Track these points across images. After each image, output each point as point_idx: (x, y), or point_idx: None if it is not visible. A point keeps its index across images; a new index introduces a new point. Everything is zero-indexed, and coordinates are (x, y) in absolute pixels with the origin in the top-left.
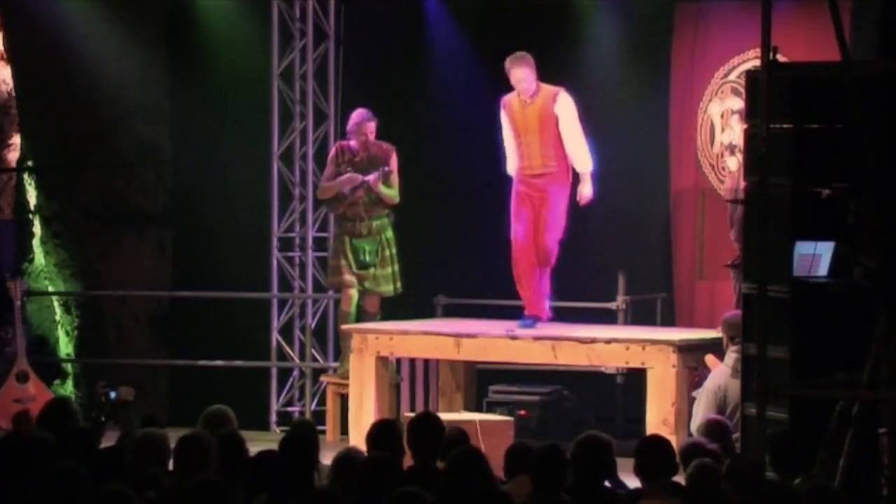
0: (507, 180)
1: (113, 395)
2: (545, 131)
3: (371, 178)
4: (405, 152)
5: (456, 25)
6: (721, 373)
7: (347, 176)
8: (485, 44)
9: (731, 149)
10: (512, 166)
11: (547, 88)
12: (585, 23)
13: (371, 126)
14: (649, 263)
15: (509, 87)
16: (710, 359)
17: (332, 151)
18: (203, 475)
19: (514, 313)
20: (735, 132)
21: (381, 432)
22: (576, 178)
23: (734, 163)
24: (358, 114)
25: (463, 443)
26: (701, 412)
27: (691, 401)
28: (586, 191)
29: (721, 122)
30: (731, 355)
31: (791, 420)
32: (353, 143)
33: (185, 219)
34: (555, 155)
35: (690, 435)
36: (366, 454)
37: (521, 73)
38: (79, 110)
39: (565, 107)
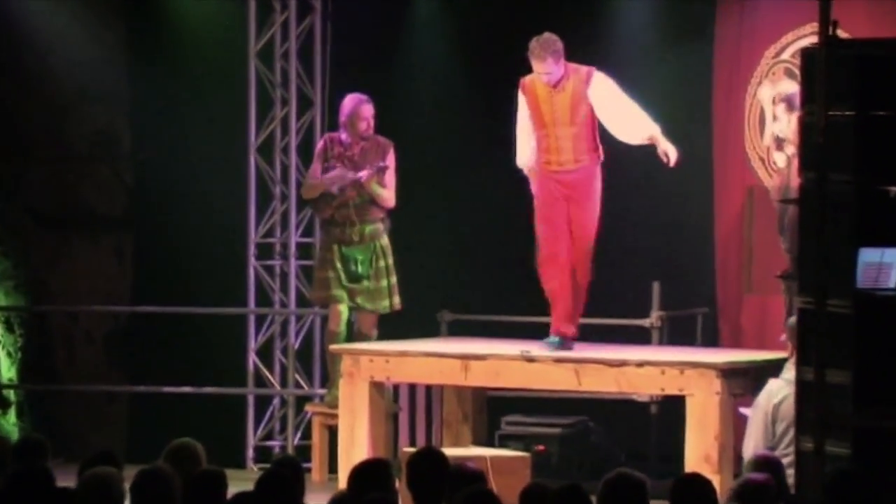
0: (522, 180)
1: None
2: (578, 122)
3: (363, 173)
4: (404, 147)
5: None
6: (776, 387)
7: (337, 172)
8: (500, 16)
9: (779, 142)
10: (526, 159)
11: (576, 71)
12: None
13: (368, 109)
14: (689, 273)
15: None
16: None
17: (320, 145)
18: None
19: (531, 332)
20: (782, 122)
21: (367, 473)
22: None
23: (782, 158)
24: (351, 100)
25: (474, 482)
26: (753, 437)
27: (742, 422)
28: (670, 150)
29: (772, 108)
30: (791, 368)
31: (854, 455)
32: (344, 135)
33: (146, 221)
34: (587, 148)
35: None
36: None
37: (544, 66)
38: (23, 94)
39: (601, 87)
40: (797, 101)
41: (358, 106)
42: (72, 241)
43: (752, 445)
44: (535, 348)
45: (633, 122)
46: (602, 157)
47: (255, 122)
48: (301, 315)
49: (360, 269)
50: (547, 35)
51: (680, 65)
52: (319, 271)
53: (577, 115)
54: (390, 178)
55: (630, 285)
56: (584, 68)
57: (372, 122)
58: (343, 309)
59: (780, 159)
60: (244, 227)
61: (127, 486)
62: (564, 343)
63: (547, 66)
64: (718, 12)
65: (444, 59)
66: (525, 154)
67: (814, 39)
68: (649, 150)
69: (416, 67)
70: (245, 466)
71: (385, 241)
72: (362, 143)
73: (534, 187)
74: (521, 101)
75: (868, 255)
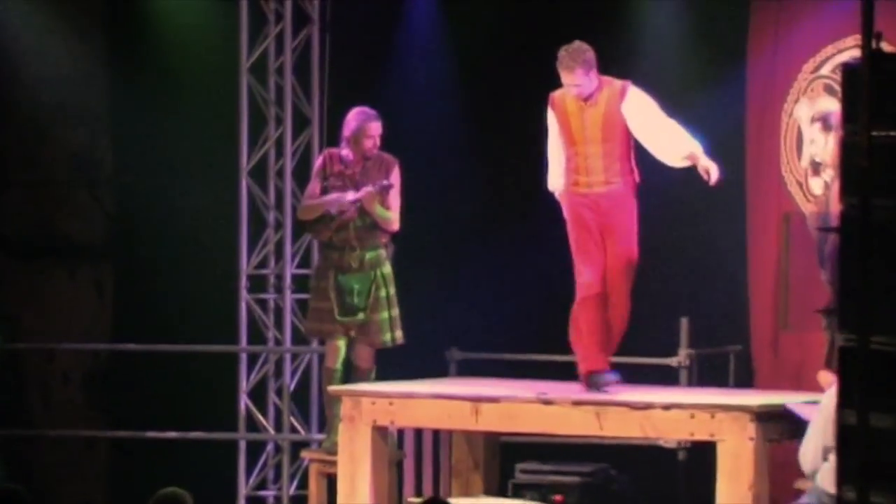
0: (542, 203)
1: None
2: (610, 139)
3: (363, 192)
4: (409, 168)
5: (476, 5)
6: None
7: (334, 196)
8: (514, 28)
9: (816, 167)
10: (557, 181)
11: (610, 84)
12: (642, 6)
13: (376, 127)
14: (720, 308)
15: (551, 82)
16: (822, 375)
17: (319, 161)
18: None
19: (547, 371)
20: (818, 144)
21: None
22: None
23: (819, 184)
24: (357, 114)
25: None
26: (813, 440)
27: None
28: (711, 167)
29: (810, 129)
30: None
31: None
32: (345, 151)
33: (129, 251)
34: (620, 169)
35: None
36: None
37: (573, 78)
38: None
39: (636, 102)
40: (833, 120)
41: (365, 122)
42: (47, 272)
43: (811, 449)
44: (554, 391)
45: (672, 141)
46: (638, 181)
47: (248, 142)
48: (297, 353)
49: (355, 299)
50: (577, 44)
51: (710, 80)
52: (314, 301)
53: (609, 132)
54: (395, 198)
55: (656, 321)
56: (618, 82)
57: (378, 141)
58: (341, 345)
59: (816, 185)
60: (235, 258)
61: None
62: (597, 381)
63: (576, 78)
64: (752, 22)
65: (450, 73)
66: (557, 176)
67: (856, 53)
68: (675, 173)
69: (421, 83)
70: None
71: (387, 269)
72: (365, 160)
73: (565, 212)
74: (551, 117)
75: None
